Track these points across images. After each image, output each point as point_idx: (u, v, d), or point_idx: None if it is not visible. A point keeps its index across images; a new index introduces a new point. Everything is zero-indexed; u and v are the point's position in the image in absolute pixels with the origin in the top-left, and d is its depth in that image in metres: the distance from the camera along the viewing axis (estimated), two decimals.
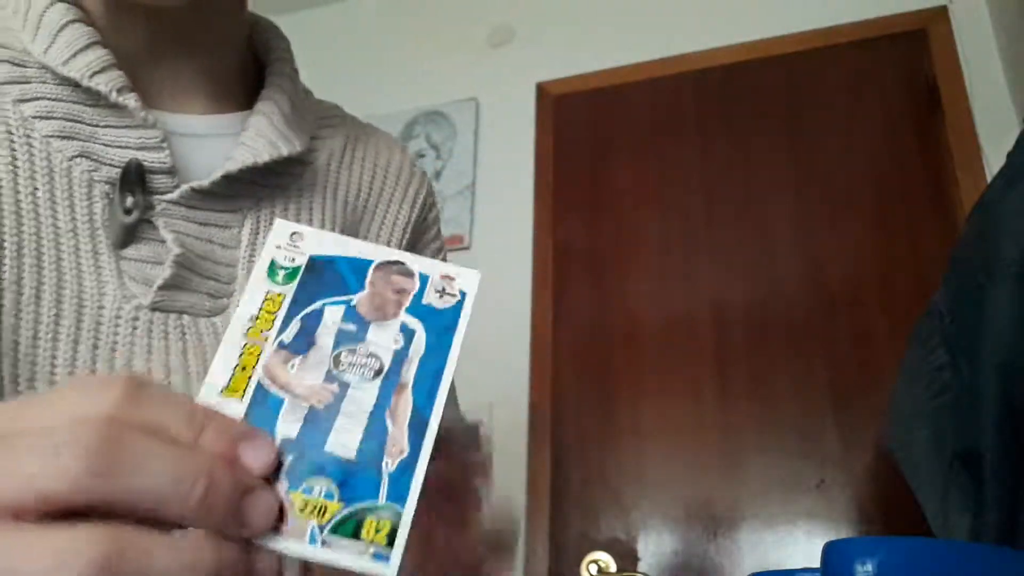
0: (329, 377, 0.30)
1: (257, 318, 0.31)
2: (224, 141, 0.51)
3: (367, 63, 2.37)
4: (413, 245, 0.63)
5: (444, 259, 0.68)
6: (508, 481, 1.82)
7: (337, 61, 2.29)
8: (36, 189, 0.44)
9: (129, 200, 0.45)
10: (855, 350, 1.71)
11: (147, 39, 0.48)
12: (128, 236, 0.46)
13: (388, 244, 0.60)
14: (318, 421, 0.29)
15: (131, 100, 0.45)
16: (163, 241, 0.46)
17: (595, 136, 2.11)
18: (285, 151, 0.51)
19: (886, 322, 1.70)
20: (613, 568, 1.68)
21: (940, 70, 1.85)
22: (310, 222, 0.54)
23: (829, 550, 0.45)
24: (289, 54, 0.57)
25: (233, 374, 0.30)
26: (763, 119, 1.97)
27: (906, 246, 1.75)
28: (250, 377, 0.30)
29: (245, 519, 0.26)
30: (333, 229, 0.56)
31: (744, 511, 1.67)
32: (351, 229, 0.57)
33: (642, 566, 1.69)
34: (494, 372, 1.92)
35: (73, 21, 0.45)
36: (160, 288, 0.46)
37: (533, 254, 2.02)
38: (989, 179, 1.16)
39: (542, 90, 2.20)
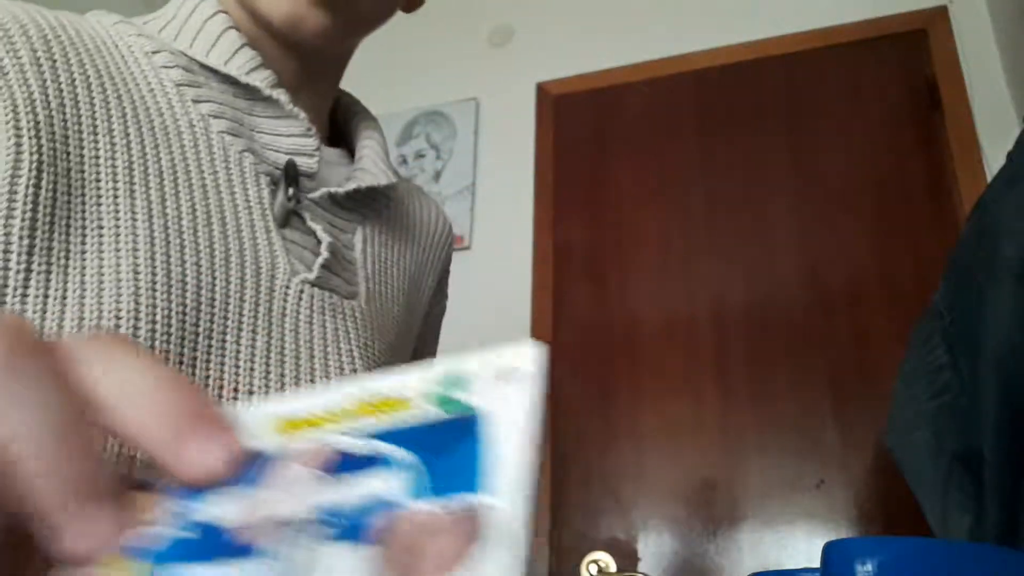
0: None
1: None
2: (332, 166, 0.59)
3: (367, 63, 2.36)
4: (436, 289, 0.71)
5: (443, 310, 0.75)
6: None
7: None
8: (216, 171, 0.50)
9: (290, 190, 0.52)
10: (855, 350, 1.71)
11: (281, 70, 0.55)
12: (286, 219, 0.52)
13: (427, 293, 0.69)
14: None
15: (300, 112, 0.53)
16: (311, 231, 0.53)
17: (595, 136, 2.11)
18: (394, 179, 0.60)
19: (886, 322, 1.70)
20: (613, 568, 1.68)
21: (940, 70, 1.86)
22: (392, 249, 0.63)
23: (829, 550, 0.45)
24: (372, 115, 0.67)
25: None
26: (763, 119, 1.97)
27: (906, 246, 1.75)
28: None
29: None
30: (406, 260, 0.65)
31: (744, 511, 1.67)
32: (412, 278, 0.65)
33: (642, 566, 1.69)
34: None
35: (243, 46, 0.53)
36: (321, 266, 0.52)
37: (533, 254, 2.02)
38: (989, 179, 1.16)
39: (542, 90, 2.20)
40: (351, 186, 0.56)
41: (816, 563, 0.47)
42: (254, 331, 0.48)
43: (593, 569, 1.68)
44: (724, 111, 2.01)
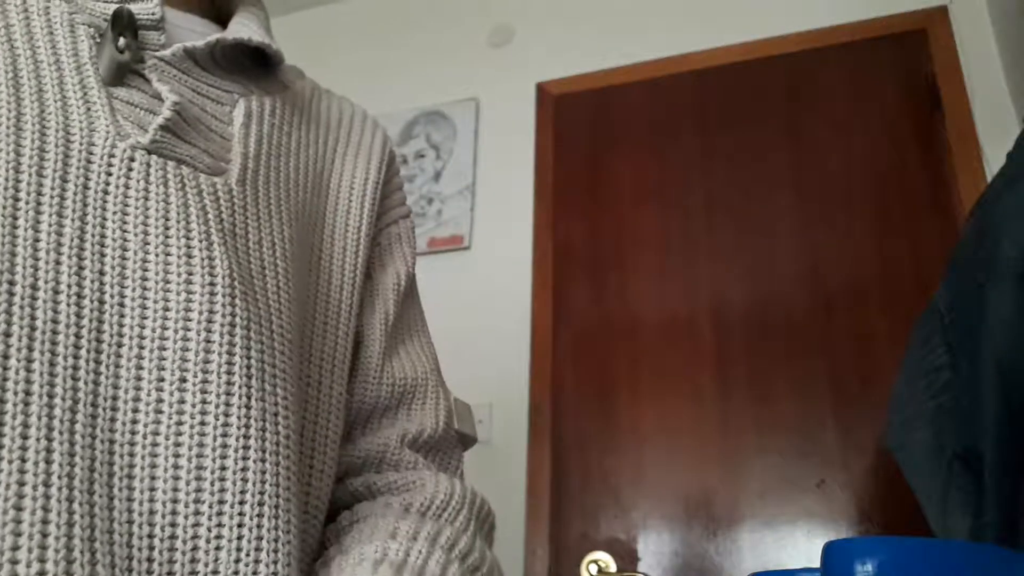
0: None
1: None
2: (198, 35, 0.49)
3: (367, 63, 2.37)
4: (381, 206, 0.61)
5: (411, 225, 0.64)
6: (508, 481, 1.82)
7: (337, 61, 2.29)
8: (11, 25, 0.41)
9: (121, 41, 0.42)
10: (855, 350, 1.71)
11: None
12: (119, 77, 0.43)
13: (358, 202, 0.58)
14: None
15: None
16: (156, 95, 0.43)
17: (595, 136, 2.11)
18: (273, 46, 0.50)
19: (886, 322, 1.70)
20: (613, 568, 1.68)
21: (940, 70, 1.85)
22: (289, 135, 0.52)
23: (829, 550, 0.45)
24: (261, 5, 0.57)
25: None
26: (763, 119, 1.97)
27: (906, 246, 1.75)
28: None
29: None
30: (308, 152, 0.54)
31: (744, 511, 1.67)
32: (316, 175, 0.55)
33: (642, 566, 1.68)
34: (494, 372, 1.92)
35: None
36: (160, 128, 0.42)
37: (533, 254, 2.02)
38: (989, 179, 1.16)
39: (542, 90, 2.20)
40: (212, 38, 0.47)
41: (816, 563, 0.47)
42: (60, 214, 0.38)
43: (593, 569, 1.68)
44: (724, 111, 2.01)
